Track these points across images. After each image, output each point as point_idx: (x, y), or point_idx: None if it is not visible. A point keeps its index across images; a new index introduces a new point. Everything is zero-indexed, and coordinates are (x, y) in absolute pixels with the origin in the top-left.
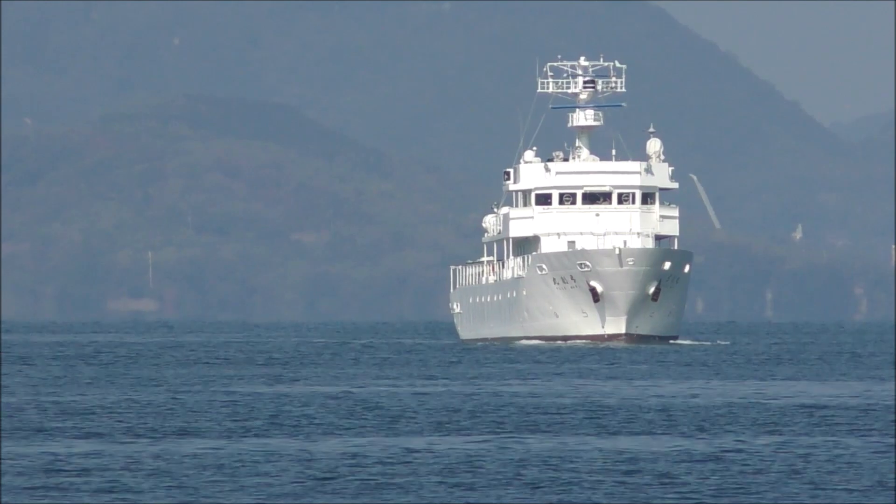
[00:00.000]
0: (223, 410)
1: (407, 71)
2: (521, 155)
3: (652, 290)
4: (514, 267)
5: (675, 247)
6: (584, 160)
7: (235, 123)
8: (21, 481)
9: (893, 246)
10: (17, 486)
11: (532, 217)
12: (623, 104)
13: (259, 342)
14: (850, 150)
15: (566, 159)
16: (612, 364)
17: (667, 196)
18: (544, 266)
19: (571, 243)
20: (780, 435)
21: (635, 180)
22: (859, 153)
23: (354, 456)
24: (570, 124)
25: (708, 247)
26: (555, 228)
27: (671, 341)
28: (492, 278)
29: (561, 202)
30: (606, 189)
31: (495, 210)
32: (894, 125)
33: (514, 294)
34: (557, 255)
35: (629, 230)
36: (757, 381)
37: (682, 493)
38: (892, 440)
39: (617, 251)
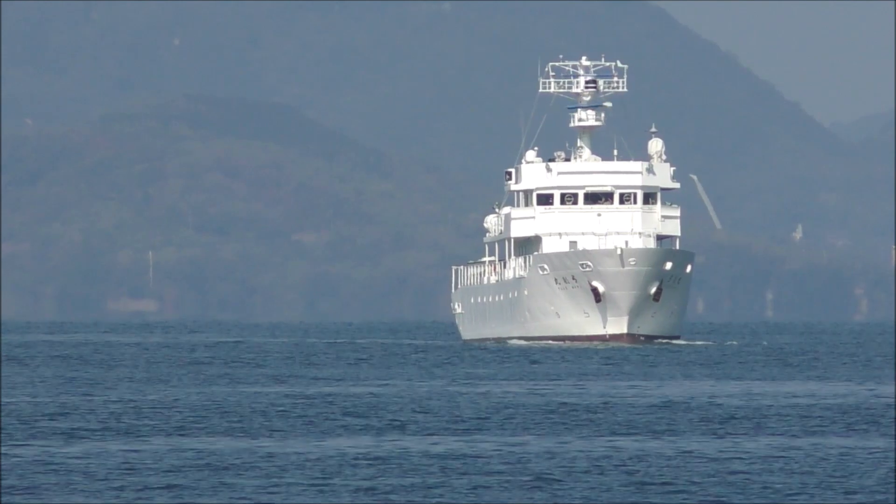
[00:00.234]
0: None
1: (407, 71)
2: (522, 155)
3: (653, 290)
4: (515, 267)
5: (677, 247)
6: (585, 160)
7: (235, 123)
8: None
9: (893, 246)
10: None
11: (534, 217)
12: (609, 103)
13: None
14: (851, 150)
15: (568, 159)
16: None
17: (668, 196)
18: (546, 266)
19: (573, 243)
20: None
21: (637, 180)
22: (859, 153)
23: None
24: (571, 124)
25: (708, 247)
26: (556, 228)
27: (673, 341)
28: (493, 278)
29: (562, 202)
30: (608, 189)
31: (497, 210)
32: (894, 125)
33: (516, 294)
34: (559, 256)
35: (631, 230)
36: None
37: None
38: None
39: (618, 251)
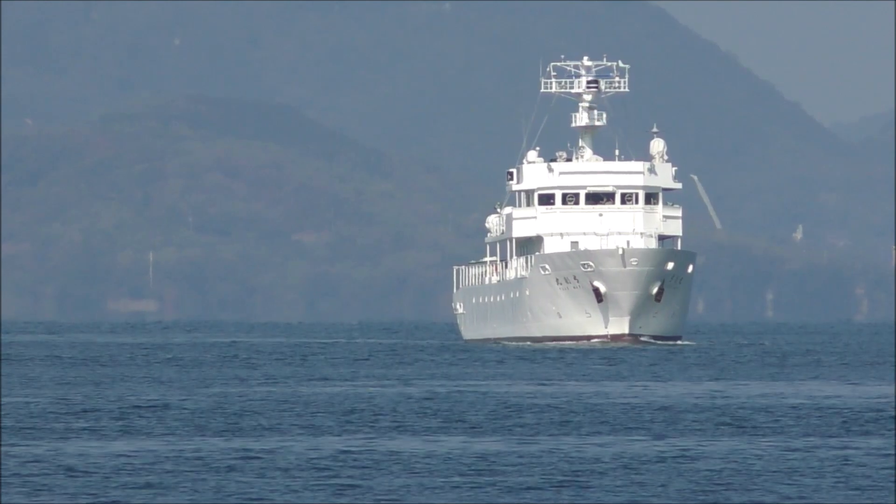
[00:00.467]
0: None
1: (407, 71)
2: (524, 155)
3: (655, 290)
4: (517, 267)
5: (679, 247)
6: (587, 160)
7: (235, 123)
8: None
9: (894, 246)
10: None
11: (535, 217)
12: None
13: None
14: (851, 150)
15: (569, 159)
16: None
17: (670, 196)
18: (547, 266)
19: (574, 243)
20: None
21: (638, 180)
22: (859, 153)
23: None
24: (573, 124)
25: (709, 247)
26: (558, 228)
27: (677, 342)
28: (495, 278)
29: (564, 202)
30: (609, 189)
31: (498, 210)
32: (894, 125)
33: (518, 294)
34: (561, 256)
35: (632, 230)
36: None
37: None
38: None
39: (620, 251)
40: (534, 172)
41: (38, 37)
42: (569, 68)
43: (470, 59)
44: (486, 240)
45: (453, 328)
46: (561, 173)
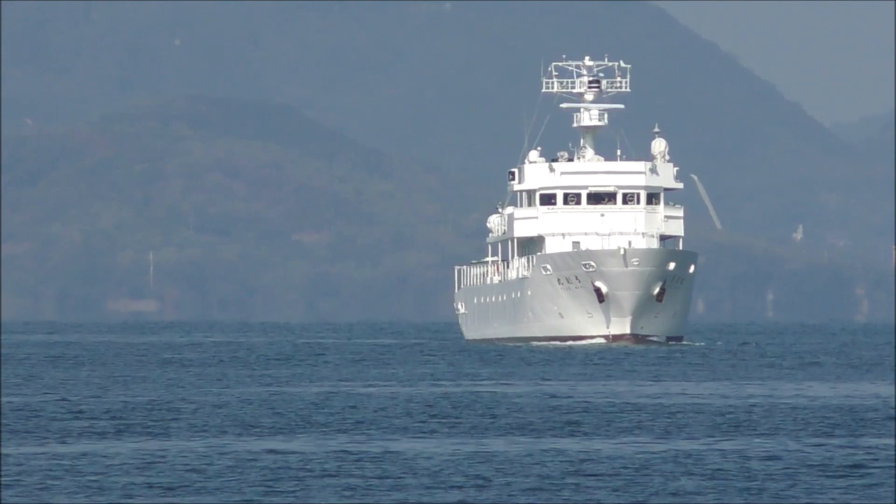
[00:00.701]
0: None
1: (407, 71)
2: (525, 155)
3: (657, 290)
4: (518, 267)
5: (680, 247)
6: (588, 160)
7: (235, 123)
8: None
9: (894, 246)
10: None
11: (536, 217)
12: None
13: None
14: (851, 150)
15: (571, 159)
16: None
17: (671, 196)
18: (549, 266)
19: (576, 243)
20: None
21: (640, 180)
22: (860, 153)
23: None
24: (574, 124)
25: (709, 247)
26: (559, 229)
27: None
28: (496, 279)
29: (566, 202)
30: (611, 189)
31: (500, 210)
32: (894, 125)
33: (519, 294)
34: (562, 256)
35: (634, 230)
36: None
37: None
38: None
39: (622, 251)
40: (535, 172)
41: (38, 37)
42: (570, 68)
43: (470, 59)
44: (488, 240)
45: (453, 328)
46: (562, 173)
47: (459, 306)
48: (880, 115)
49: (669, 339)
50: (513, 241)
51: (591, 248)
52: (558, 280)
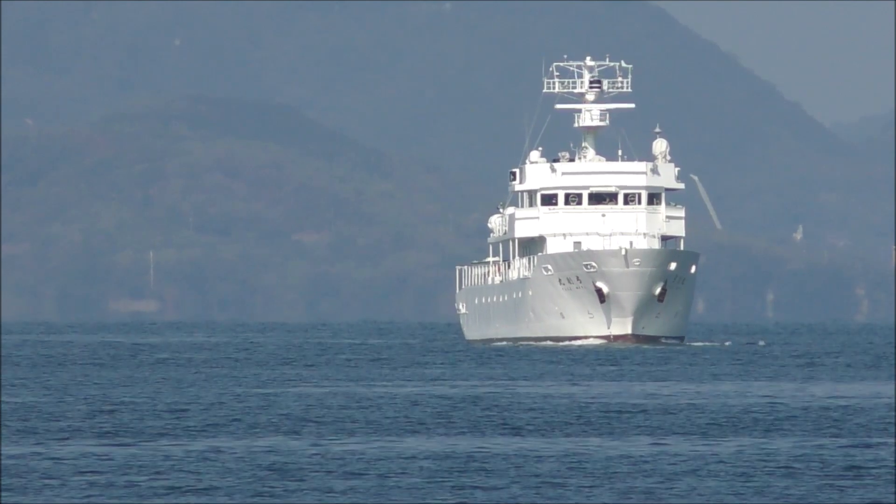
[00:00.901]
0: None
1: (407, 71)
2: (526, 155)
3: (658, 290)
4: (519, 267)
5: (681, 247)
6: (590, 160)
7: (235, 123)
8: None
9: (894, 246)
10: None
11: (538, 217)
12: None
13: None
14: (851, 150)
15: (572, 159)
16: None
17: (672, 196)
18: (550, 267)
19: (577, 244)
20: None
21: (641, 181)
22: (860, 153)
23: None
24: (576, 124)
25: (709, 247)
26: (561, 229)
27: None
28: (497, 279)
29: (567, 202)
30: (612, 189)
31: (501, 210)
32: (894, 125)
33: (520, 295)
34: (563, 256)
35: (635, 231)
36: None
37: None
38: None
39: (623, 252)
40: (536, 173)
41: (38, 37)
42: (571, 68)
43: (470, 59)
44: (489, 240)
45: (453, 328)
46: (564, 173)
47: (460, 306)
48: (880, 115)
49: (669, 339)
50: (514, 242)
51: (593, 248)
52: (559, 280)
